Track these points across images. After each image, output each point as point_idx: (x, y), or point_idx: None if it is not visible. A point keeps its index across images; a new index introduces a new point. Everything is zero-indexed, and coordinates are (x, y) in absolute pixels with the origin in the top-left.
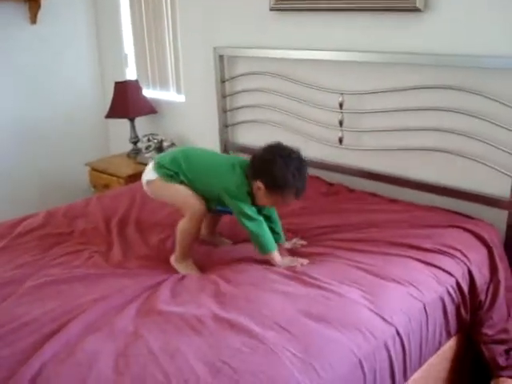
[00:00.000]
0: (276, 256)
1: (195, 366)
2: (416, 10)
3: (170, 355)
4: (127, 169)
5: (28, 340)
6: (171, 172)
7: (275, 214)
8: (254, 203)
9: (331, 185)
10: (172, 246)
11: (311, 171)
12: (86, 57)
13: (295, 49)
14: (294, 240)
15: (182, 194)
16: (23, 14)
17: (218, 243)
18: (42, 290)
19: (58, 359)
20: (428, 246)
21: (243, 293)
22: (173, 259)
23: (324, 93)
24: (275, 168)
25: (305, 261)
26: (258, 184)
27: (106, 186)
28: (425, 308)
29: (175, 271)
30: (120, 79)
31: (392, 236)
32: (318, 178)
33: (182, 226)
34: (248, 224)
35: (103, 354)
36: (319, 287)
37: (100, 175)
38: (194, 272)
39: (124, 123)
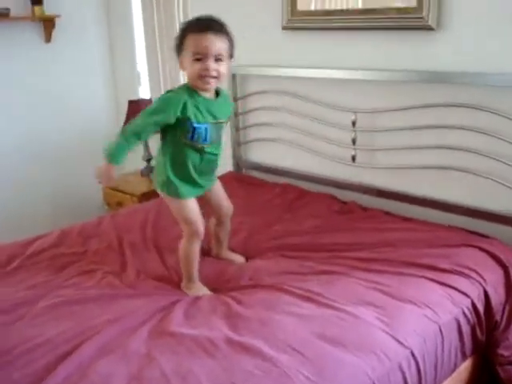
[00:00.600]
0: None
1: None
2: (428, 28)
3: (183, 378)
4: (141, 187)
5: (41, 362)
6: (163, 176)
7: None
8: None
9: (344, 203)
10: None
11: (324, 189)
12: (100, 75)
13: (308, 67)
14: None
15: (183, 210)
16: (38, 34)
17: (230, 260)
18: (55, 310)
19: (70, 382)
20: (443, 265)
21: (256, 314)
22: (183, 285)
23: (337, 111)
24: (178, 32)
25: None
26: (179, 60)
27: (120, 204)
28: (440, 329)
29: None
30: (133, 97)
31: (406, 255)
32: (331, 196)
33: (182, 248)
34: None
35: (116, 376)
36: (333, 308)
37: (113, 193)
38: (205, 292)
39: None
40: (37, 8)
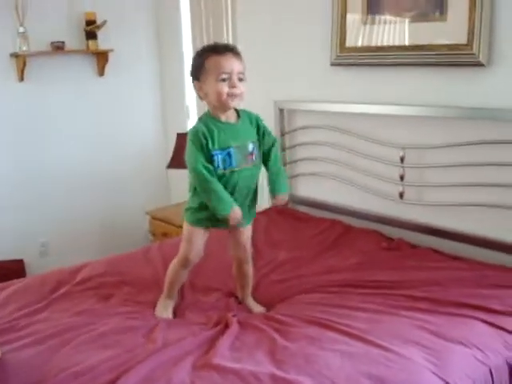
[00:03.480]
0: (236, 213)
1: None
2: (479, 64)
3: None
4: None
5: None
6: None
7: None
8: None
9: (391, 240)
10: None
11: (370, 225)
12: (150, 108)
13: (355, 103)
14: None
15: (189, 235)
16: (92, 67)
17: (250, 309)
18: (99, 338)
19: None
20: (494, 306)
21: (301, 350)
22: (159, 300)
23: (385, 147)
24: (194, 57)
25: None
26: (196, 85)
27: (165, 235)
28: (490, 372)
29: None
30: (182, 130)
31: (455, 295)
32: (377, 232)
33: (172, 265)
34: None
35: None
36: (380, 347)
37: (159, 224)
38: (167, 315)
39: (184, 173)
40: (91, 42)
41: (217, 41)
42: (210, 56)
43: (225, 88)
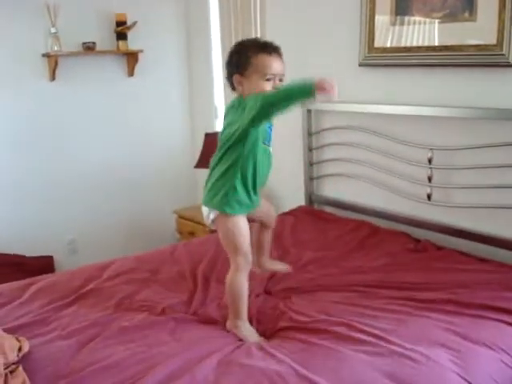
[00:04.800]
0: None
1: None
2: (509, 65)
3: None
4: None
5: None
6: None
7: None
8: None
9: (418, 241)
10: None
11: (397, 226)
12: (179, 108)
13: (383, 103)
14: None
15: (234, 232)
16: (122, 67)
17: (274, 269)
18: (126, 334)
19: None
20: None
21: (325, 350)
22: (228, 324)
23: (412, 148)
24: (232, 52)
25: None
26: (236, 78)
27: (192, 234)
28: None
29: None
30: (210, 130)
31: (482, 297)
32: (404, 233)
33: (230, 281)
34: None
35: None
36: (404, 348)
37: (186, 223)
38: (255, 338)
39: None
40: (121, 43)
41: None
42: (258, 54)
43: (269, 87)
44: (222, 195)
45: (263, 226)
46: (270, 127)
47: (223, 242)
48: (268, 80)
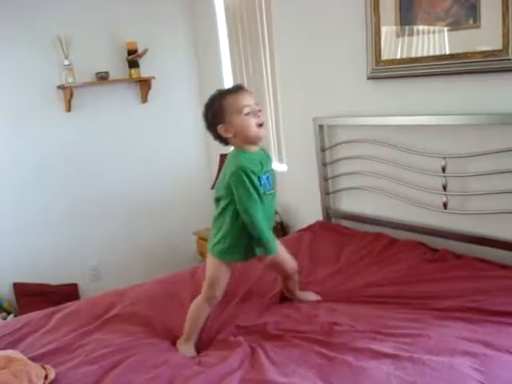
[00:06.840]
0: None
1: None
2: None
3: None
4: None
5: None
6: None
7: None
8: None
9: (436, 251)
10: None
11: (415, 237)
12: (192, 131)
13: (394, 115)
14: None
15: (217, 272)
16: (135, 94)
17: (304, 299)
18: (148, 359)
19: None
20: None
21: (347, 363)
22: (179, 341)
23: (425, 157)
24: (206, 111)
25: None
26: (221, 129)
27: None
28: None
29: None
30: (224, 151)
31: (504, 304)
32: (421, 243)
33: (196, 304)
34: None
35: None
36: (426, 358)
37: (206, 244)
38: (191, 354)
39: None
40: (133, 70)
41: (254, 63)
42: (226, 97)
43: (252, 120)
44: (217, 245)
45: (287, 277)
46: (267, 177)
47: (207, 273)
48: (247, 114)
